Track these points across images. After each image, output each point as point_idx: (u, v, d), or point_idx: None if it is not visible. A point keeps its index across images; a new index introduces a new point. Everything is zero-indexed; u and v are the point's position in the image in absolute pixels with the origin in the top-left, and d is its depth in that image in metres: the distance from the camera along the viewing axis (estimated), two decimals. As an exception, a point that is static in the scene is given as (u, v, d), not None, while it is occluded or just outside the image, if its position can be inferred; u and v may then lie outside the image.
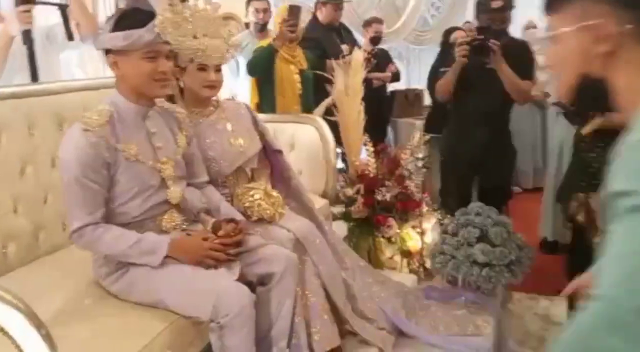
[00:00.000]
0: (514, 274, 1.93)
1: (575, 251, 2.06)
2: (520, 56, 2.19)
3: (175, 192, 1.26)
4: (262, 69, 2.62)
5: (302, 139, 2.26)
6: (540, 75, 4.22)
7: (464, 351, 1.61)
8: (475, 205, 2.02)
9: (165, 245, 1.19)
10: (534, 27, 4.33)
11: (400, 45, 5.83)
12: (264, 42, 2.67)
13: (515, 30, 2.77)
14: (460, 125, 2.30)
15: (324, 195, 2.16)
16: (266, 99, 2.68)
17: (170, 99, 1.45)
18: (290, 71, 2.67)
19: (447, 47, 2.39)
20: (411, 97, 4.32)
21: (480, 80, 2.15)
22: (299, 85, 2.70)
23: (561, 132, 2.72)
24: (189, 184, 1.35)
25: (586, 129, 1.79)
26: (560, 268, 2.45)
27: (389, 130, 4.33)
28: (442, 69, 2.29)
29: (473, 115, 2.24)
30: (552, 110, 3.18)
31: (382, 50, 3.94)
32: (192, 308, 1.17)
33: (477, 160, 2.26)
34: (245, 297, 1.17)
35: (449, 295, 1.93)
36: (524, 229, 2.88)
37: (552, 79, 0.79)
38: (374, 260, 2.17)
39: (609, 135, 1.75)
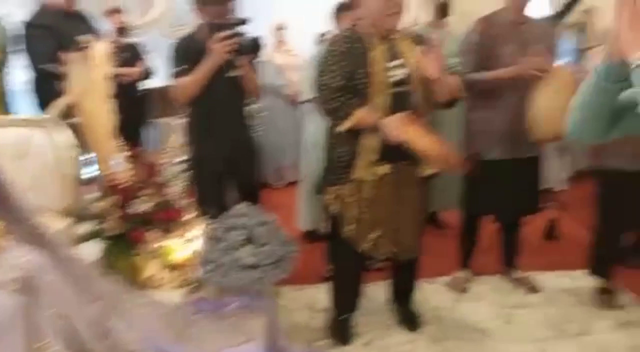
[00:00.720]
0: (281, 270, 1.96)
1: (333, 239, 2.20)
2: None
3: None
4: None
5: (30, 147, 1.88)
6: (293, 76, 4.50)
7: (238, 361, 1.55)
8: (239, 206, 1.98)
9: None
10: (282, 28, 4.58)
11: (158, 39, 5.50)
12: None
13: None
14: (207, 128, 2.25)
15: (66, 213, 1.84)
16: None
17: None
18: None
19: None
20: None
21: (223, 79, 2.13)
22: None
23: (313, 129, 2.92)
24: None
25: (344, 126, 1.90)
26: (321, 256, 2.63)
27: (150, 131, 4.05)
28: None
29: (218, 116, 2.22)
30: (305, 108, 3.37)
31: (132, 43, 3.62)
32: None
33: (228, 162, 2.25)
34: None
35: (220, 304, 1.85)
36: (287, 221, 3.01)
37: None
38: (136, 280, 1.94)
39: (357, 133, 1.94)
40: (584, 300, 2.49)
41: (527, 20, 2.36)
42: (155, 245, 1.98)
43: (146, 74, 3.64)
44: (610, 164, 2.25)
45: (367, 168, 1.92)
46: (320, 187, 2.11)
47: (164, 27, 5.29)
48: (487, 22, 2.37)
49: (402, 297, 2.32)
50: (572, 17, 4.12)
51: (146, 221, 1.99)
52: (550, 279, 2.71)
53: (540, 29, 2.37)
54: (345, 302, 2.24)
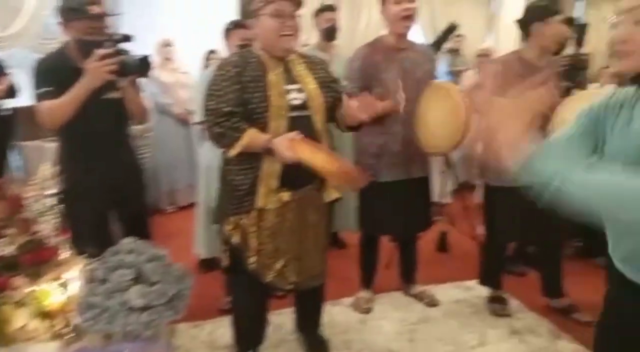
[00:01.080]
0: (176, 310, 1.78)
1: (234, 271, 2.06)
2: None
3: None
4: None
5: None
6: (182, 94, 4.29)
7: None
8: (126, 241, 1.77)
9: None
10: (169, 45, 4.38)
11: (24, 54, 4.96)
12: None
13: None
14: (82, 154, 2.03)
15: None
16: None
17: None
18: None
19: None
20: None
21: (100, 101, 1.94)
22: None
23: (207, 151, 2.76)
24: None
25: (234, 151, 1.79)
26: (220, 287, 2.46)
27: (15, 157, 3.59)
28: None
29: (96, 142, 2.02)
30: (197, 129, 3.20)
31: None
32: None
33: (110, 190, 2.05)
34: None
35: (106, 354, 1.63)
36: (182, 249, 2.80)
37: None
38: (2, 334, 1.64)
39: (255, 158, 1.84)
40: (479, 310, 2.62)
41: (408, 46, 2.46)
42: (24, 291, 1.70)
43: (10, 92, 3.21)
44: (494, 180, 2.40)
45: (269, 196, 1.81)
46: (218, 217, 1.97)
47: (31, 40, 4.77)
48: (370, 48, 2.42)
49: (308, 325, 2.24)
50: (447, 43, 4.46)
51: (10, 265, 1.71)
52: (447, 291, 2.81)
53: (421, 54, 2.48)
54: (250, 335, 2.10)
